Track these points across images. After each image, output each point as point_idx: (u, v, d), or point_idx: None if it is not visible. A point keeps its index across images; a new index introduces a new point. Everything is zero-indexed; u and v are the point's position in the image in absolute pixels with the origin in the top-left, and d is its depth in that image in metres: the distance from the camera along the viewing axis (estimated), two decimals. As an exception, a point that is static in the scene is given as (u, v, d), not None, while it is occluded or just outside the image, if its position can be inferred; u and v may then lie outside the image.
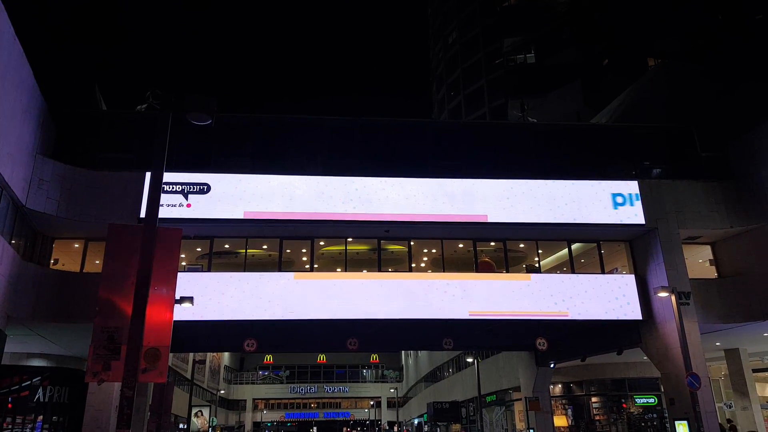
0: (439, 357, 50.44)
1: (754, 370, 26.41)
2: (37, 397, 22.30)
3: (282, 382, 77.61)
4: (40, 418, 22.11)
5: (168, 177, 18.95)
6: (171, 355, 37.11)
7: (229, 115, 23.10)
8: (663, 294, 18.28)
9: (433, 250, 22.27)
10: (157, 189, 7.13)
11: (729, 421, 22.97)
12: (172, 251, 6.87)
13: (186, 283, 18.70)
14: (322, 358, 76.42)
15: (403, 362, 75.77)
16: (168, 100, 7.20)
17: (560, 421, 32.13)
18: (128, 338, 6.01)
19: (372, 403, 75.95)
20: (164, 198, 18.81)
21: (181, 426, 40.37)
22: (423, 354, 59.25)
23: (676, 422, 19.10)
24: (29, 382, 22.33)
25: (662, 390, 20.95)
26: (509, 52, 57.59)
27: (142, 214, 17.85)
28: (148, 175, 17.56)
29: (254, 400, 75.24)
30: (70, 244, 20.19)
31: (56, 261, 20.13)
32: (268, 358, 76.39)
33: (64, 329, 18.75)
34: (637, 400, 30.85)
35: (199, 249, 21.33)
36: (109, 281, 6.49)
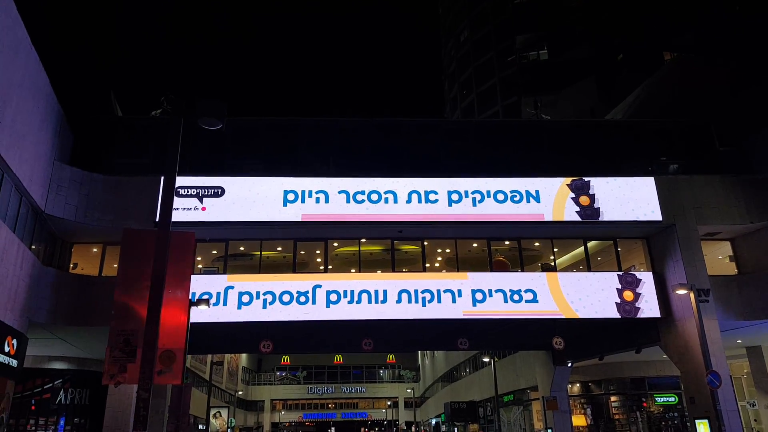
0: (456, 357, 50.27)
1: (777, 368, 25.94)
2: (59, 399, 22.67)
3: (299, 383, 77.92)
4: (62, 419, 22.47)
5: (183, 181, 19.18)
6: (189, 357, 37.63)
7: (242, 118, 23.25)
8: (681, 291, 18.04)
9: (447, 250, 22.21)
10: (169, 193, 7.20)
11: None
12: (185, 254, 6.94)
13: (202, 285, 18.92)
14: (339, 358, 76.58)
15: (420, 362, 75.65)
16: (179, 105, 7.28)
17: (579, 420, 31.86)
18: (143, 341, 6.08)
19: (389, 403, 75.95)
20: (179, 202, 19.01)
21: (200, 427, 40.68)
22: (440, 354, 59.10)
23: (697, 421, 18.82)
24: (51, 385, 22.70)
25: (682, 389, 20.66)
26: (521, 50, 57.28)
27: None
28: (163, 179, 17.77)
29: (272, 400, 75.61)
30: (88, 249, 20.50)
31: (75, 265, 20.44)
32: (286, 359, 76.73)
33: (83, 332, 19.04)
34: (657, 399, 30.48)
35: (214, 251, 21.51)
36: (124, 285, 6.58)
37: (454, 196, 20.15)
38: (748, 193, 20.60)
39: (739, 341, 24.14)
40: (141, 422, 5.93)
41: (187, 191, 19.24)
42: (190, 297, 6.88)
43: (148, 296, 6.25)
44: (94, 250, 20.39)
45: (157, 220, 7.04)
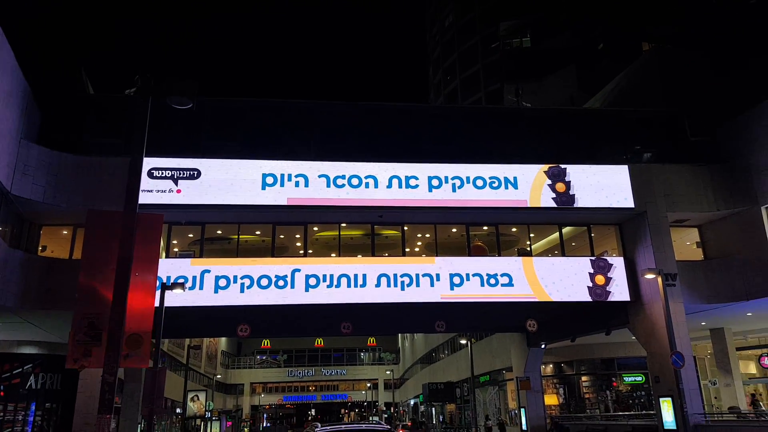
0: (435, 339, 50.85)
1: (738, 349, 26.99)
2: (29, 384, 22.25)
3: (280, 366, 78.12)
4: (33, 405, 22.13)
5: (157, 162, 18.94)
6: (166, 341, 37.43)
7: (220, 99, 22.96)
8: (650, 276, 18.55)
9: (427, 235, 22.37)
10: (136, 174, 7.15)
11: (752, 395, 23.68)
12: (153, 237, 6.90)
13: (177, 268, 18.80)
14: (319, 341, 76.82)
15: (400, 345, 76.33)
16: (148, 83, 7.18)
17: (551, 399, 32.68)
18: (109, 324, 6.07)
19: (369, 385, 76.62)
20: (154, 183, 18.77)
21: (177, 410, 40.67)
22: (419, 336, 59.70)
23: (661, 399, 19.53)
24: (20, 370, 22.27)
25: (648, 369, 21.31)
26: (505, 36, 57.28)
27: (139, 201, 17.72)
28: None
29: (252, 384, 75.78)
30: (58, 231, 19.95)
31: (44, 248, 19.84)
32: (266, 343, 76.74)
33: (53, 316, 18.52)
34: (626, 379, 31.42)
35: (191, 235, 21.34)
36: (89, 267, 6.54)
37: (435, 182, 20.23)
38: (716, 182, 21.12)
39: (703, 324, 24.92)
40: (106, 406, 5.95)
41: (162, 173, 18.97)
42: (157, 280, 6.86)
43: (114, 279, 6.23)
44: (64, 232, 19.89)
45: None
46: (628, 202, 20.60)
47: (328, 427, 10.66)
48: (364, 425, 11.96)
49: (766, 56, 21.71)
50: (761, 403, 23.33)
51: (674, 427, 18.70)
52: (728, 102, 22.32)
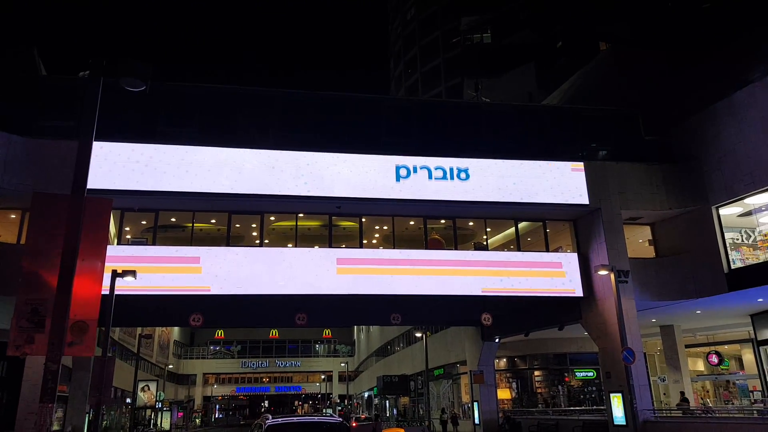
0: (390, 332, 51.11)
1: (687, 346, 27.80)
2: (-28, 371, 21.56)
3: (233, 357, 77.24)
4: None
5: (110, 147, 18.35)
6: (117, 329, 36.48)
7: (177, 84, 22.39)
8: (603, 272, 18.93)
9: (385, 227, 22.37)
10: (85, 157, 6.86)
11: (682, 393, 24.45)
12: (101, 222, 6.63)
13: (130, 256, 18.28)
14: (274, 333, 76.28)
15: (355, 337, 76.45)
16: (99, 64, 6.89)
17: (504, 393, 33.23)
18: (53, 311, 5.81)
19: (323, 377, 76.58)
20: (106, 168, 18.19)
21: (128, 400, 39.73)
22: (375, 329, 59.90)
23: (612, 394, 19.98)
24: (-37, 357, 21.52)
25: (600, 364, 21.83)
26: (466, 32, 57.66)
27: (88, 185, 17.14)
28: (93, 144, 16.91)
29: (204, 374, 74.75)
30: (6, 215, 19.36)
31: (-8, 232, 19.24)
32: (219, 333, 75.76)
33: (0, 301, 17.99)
34: (577, 374, 32.18)
35: (144, 222, 20.77)
36: (34, 252, 6.25)
37: (393, 174, 20.18)
38: (669, 181, 21.70)
39: (654, 320, 25.63)
40: (49, 395, 5.70)
41: (115, 157, 18.38)
42: (104, 266, 6.60)
43: (58, 265, 5.97)
44: (12, 216, 19.25)
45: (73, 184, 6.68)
46: (583, 198, 21.03)
47: (279, 419, 10.50)
48: (315, 417, 11.85)
49: (718, 58, 22.44)
50: (690, 400, 24.18)
51: (624, 423, 19.11)
52: (682, 102, 22.96)
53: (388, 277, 19.75)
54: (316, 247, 20.81)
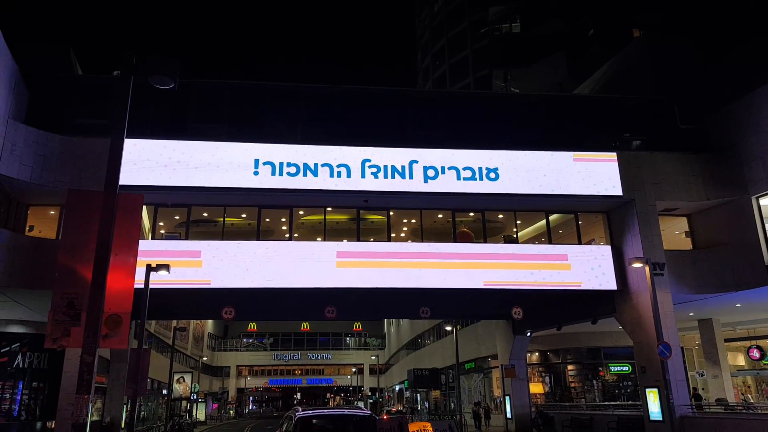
0: (420, 325, 51.04)
1: (726, 340, 27.02)
2: (16, 363, 22.29)
3: (266, 350, 78.23)
4: (21, 383, 22.15)
5: (142, 144, 18.73)
6: (153, 322, 37.31)
7: (206, 81, 22.68)
8: (637, 265, 18.44)
9: (413, 220, 22.29)
10: (117, 154, 6.99)
11: (694, 389, 23.87)
12: (133, 217, 6.76)
13: (164, 251, 18.64)
14: (305, 326, 76.99)
15: (386, 330, 76.63)
16: (129, 62, 7.00)
17: (536, 388, 32.87)
18: (88, 305, 5.96)
19: (354, 370, 76.98)
20: (140, 164, 18.59)
21: (164, 392, 40.65)
22: (405, 322, 59.90)
23: (647, 390, 19.57)
24: (8, 348, 22.28)
25: (635, 359, 21.39)
26: (494, 21, 56.98)
27: (122, 181, 17.54)
28: (126, 141, 17.29)
29: (238, 366, 75.89)
30: (45, 211, 19.94)
31: (32, 228, 19.86)
32: (252, 326, 76.81)
33: (40, 295, 18.55)
34: (612, 368, 31.63)
35: (177, 217, 21.16)
36: (69, 247, 6.41)
37: (420, 167, 20.09)
38: (706, 171, 21.07)
39: (691, 314, 24.98)
40: (85, 386, 5.85)
41: (148, 154, 18.76)
42: (136, 260, 6.73)
43: (93, 259, 6.11)
44: (51, 212, 19.85)
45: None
46: (617, 189, 20.59)
47: (309, 412, 10.60)
48: (345, 410, 11.92)
49: (756, 44, 21.69)
50: (703, 397, 23.55)
51: (660, 418, 18.75)
52: (718, 90, 22.28)
53: (417, 270, 19.69)
54: (345, 240, 20.89)
